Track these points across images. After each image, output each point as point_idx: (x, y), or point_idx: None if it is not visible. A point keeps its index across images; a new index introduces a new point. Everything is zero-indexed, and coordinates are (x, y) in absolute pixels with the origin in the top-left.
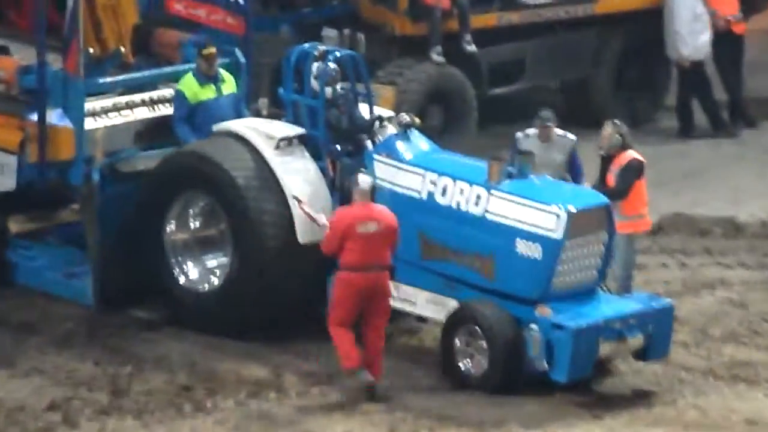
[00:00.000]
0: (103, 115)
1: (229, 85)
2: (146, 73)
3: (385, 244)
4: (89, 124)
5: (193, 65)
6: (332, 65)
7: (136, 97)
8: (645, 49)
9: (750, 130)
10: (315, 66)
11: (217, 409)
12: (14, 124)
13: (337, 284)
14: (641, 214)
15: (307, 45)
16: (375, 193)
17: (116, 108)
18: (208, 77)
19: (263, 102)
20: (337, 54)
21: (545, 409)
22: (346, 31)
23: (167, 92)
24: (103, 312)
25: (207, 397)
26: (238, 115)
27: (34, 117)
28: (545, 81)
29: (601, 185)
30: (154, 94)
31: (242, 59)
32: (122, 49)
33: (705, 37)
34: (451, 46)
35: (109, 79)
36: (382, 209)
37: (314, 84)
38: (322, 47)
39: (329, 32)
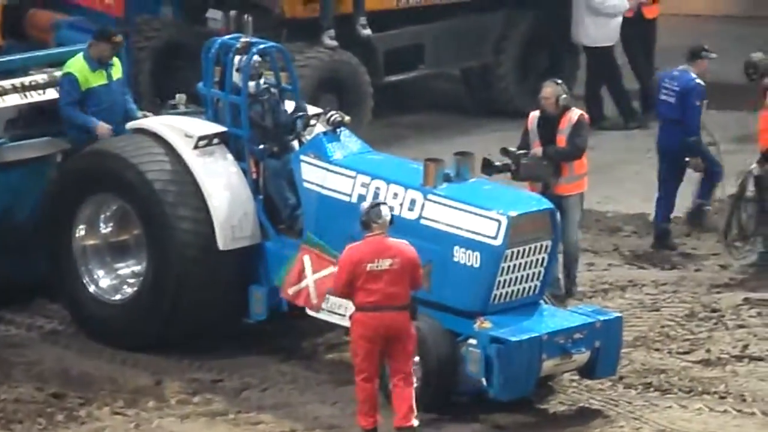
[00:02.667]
0: None
1: (117, 70)
2: (17, 56)
3: (401, 281)
4: None
5: (71, 48)
6: (256, 58)
7: (6, 83)
8: (552, 35)
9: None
10: (237, 59)
11: (91, 419)
12: None
13: (351, 327)
14: (587, 172)
15: (228, 37)
16: (306, 199)
17: None
18: (99, 63)
19: (181, 97)
20: (262, 46)
21: (470, 429)
22: (233, 13)
23: (39, 77)
24: None
25: (81, 406)
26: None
27: None
28: (446, 68)
29: (553, 147)
30: (26, 79)
31: (122, 43)
32: None
33: (615, 23)
34: (344, 29)
35: None
36: (398, 243)
37: (236, 78)
38: (245, 39)
39: (214, 14)
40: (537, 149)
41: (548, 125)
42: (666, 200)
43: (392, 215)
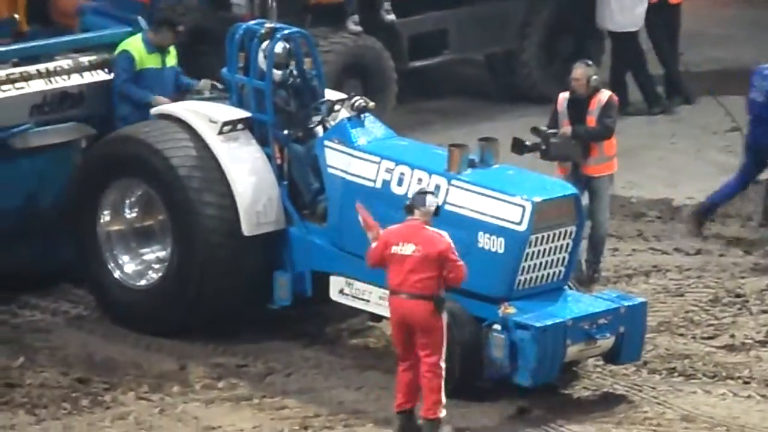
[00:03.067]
0: None
1: (172, 57)
2: (42, 42)
3: (423, 270)
4: None
5: (96, 33)
6: (281, 44)
7: (31, 68)
8: (576, 20)
9: (687, 107)
10: (262, 45)
11: (116, 404)
12: None
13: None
14: (616, 153)
15: (253, 22)
16: (330, 184)
17: (10, 80)
18: (157, 47)
19: (205, 83)
20: (286, 32)
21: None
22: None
23: (65, 63)
24: None
25: (105, 391)
26: (178, 90)
27: None
28: (470, 54)
29: (583, 126)
30: (51, 65)
31: (147, 28)
32: (16, 16)
33: (640, 8)
34: (369, 15)
35: (1, 49)
36: (429, 233)
37: (261, 64)
38: (269, 24)
39: (240, 1)
40: (567, 128)
41: (578, 106)
42: (733, 188)
43: (438, 206)
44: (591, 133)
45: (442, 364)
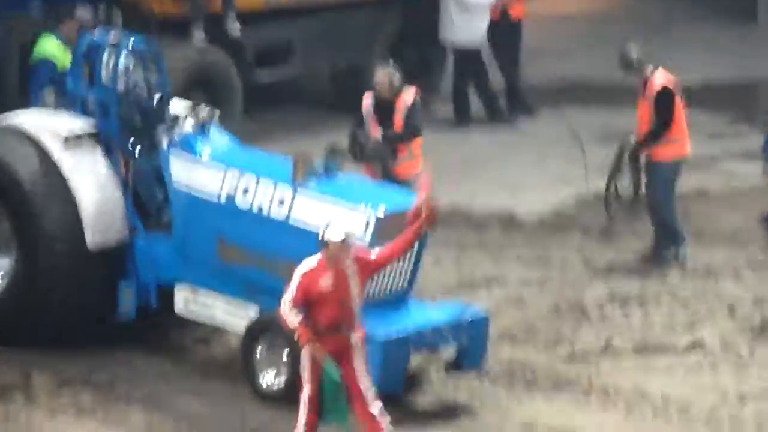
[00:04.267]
0: None
1: None
2: None
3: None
4: None
5: None
6: (125, 54)
7: None
8: (419, 34)
9: (528, 119)
10: (107, 56)
11: None
12: None
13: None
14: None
15: (97, 33)
16: (174, 195)
17: None
18: (67, 44)
19: (48, 94)
20: (131, 42)
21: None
22: (101, 7)
23: None
24: None
25: None
26: None
27: None
28: (316, 65)
29: (391, 131)
30: None
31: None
32: None
33: (482, 25)
34: (214, 27)
35: None
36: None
37: (105, 75)
38: (114, 35)
39: (83, 10)
40: (377, 135)
41: (385, 108)
42: None
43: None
44: (399, 137)
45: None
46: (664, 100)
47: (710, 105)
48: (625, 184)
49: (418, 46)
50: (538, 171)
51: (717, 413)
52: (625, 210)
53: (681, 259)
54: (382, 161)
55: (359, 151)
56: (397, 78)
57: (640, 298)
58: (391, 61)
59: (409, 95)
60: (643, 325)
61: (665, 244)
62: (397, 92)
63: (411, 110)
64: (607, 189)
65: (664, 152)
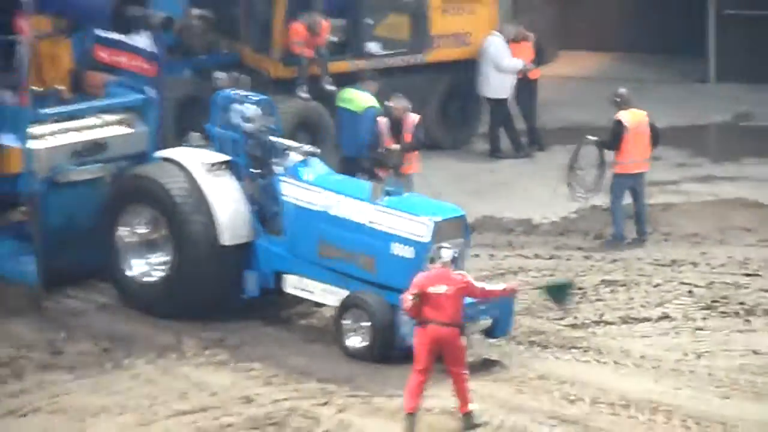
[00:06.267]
0: (45, 138)
1: None
2: (78, 106)
3: (453, 304)
4: (34, 144)
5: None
6: (250, 106)
7: (71, 124)
8: (463, 89)
9: (542, 153)
10: (237, 107)
11: (132, 367)
12: None
13: (415, 334)
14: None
15: (230, 91)
16: (285, 209)
17: (55, 133)
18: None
19: (195, 135)
20: (255, 98)
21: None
22: (234, 74)
23: (95, 120)
24: (44, 291)
25: (124, 358)
26: None
27: None
28: None
29: (404, 143)
30: (85, 122)
31: (155, 96)
32: (60, 87)
33: (509, 81)
34: (314, 86)
35: (49, 110)
36: (454, 276)
37: (236, 121)
38: (242, 92)
39: (220, 75)
40: (395, 146)
41: (396, 126)
42: None
43: (455, 257)
44: (411, 146)
45: (467, 372)
46: (614, 128)
47: (674, 143)
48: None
49: (462, 98)
50: (550, 191)
51: (680, 366)
52: (586, 191)
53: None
54: (396, 164)
55: (388, 161)
56: (406, 105)
57: (624, 282)
58: (399, 93)
59: (413, 117)
60: (627, 302)
61: (615, 237)
62: (404, 114)
63: (416, 127)
64: (568, 171)
65: (616, 169)
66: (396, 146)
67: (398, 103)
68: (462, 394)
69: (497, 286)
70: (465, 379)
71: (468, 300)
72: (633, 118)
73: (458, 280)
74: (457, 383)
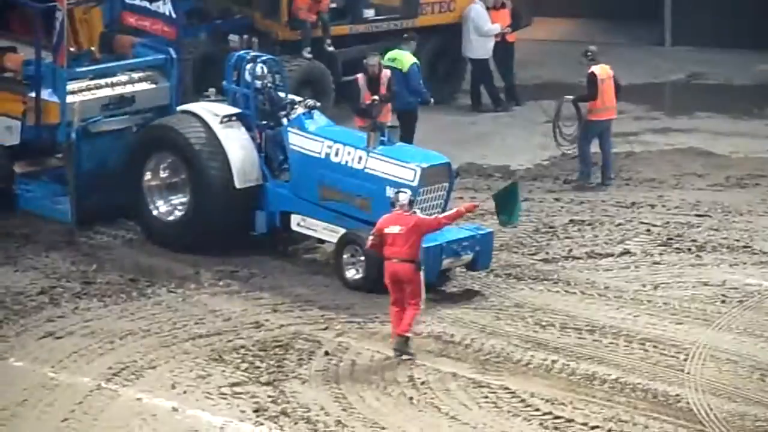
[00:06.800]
0: (79, 93)
1: None
2: (109, 65)
3: (407, 242)
4: (70, 99)
5: (144, 59)
6: (260, 65)
7: (102, 81)
8: (448, 51)
9: (518, 107)
10: (248, 66)
11: (154, 295)
12: (19, 99)
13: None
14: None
15: (242, 52)
16: (291, 156)
17: (88, 88)
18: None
19: (212, 91)
20: (264, 58)
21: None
22: (245, 37)
23: (123, 77)
24: (78, 228)
25: (147, 287)
26: None
27: (33, 94)
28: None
29: (381, 95)
30: (114, 79)
31: (175, 56)
32: (92, 49)
33: (489, 43)
34: (317, 47)
35: (83, 69)
36: (407, 216)
37: (247, 78)
38: (252, 53)
39: (233, 37)
40: (375, 97)
41: (373, 82)
42: None
43: (412, 200)
44: (388, 98)
45: (420, 303)
46: (589, 81)
47: (634, 99)
48: (567, 131)
49: (448, 58)
50: (525, 141)
51: (639, 296)
52: (567, 142)
53: (585, 183)
54: (374, 114)
55: (362, 110)
56: (380, 62)
57: (590, 222)
58: (377, 52)
59: (386, 73)
60: (592, 239)
61: (582, 174)
62: (380, 71)
63: (389, 82)
64: (554, 128)
65: (591, 117)
66: (375, 98)
67: (373, 60)
68: (406, 319)
69: (450, 211)
70: (415, 307)
71: (452, 237)
72: (602, 71)
73: (409, 220)
74: (407, 310)
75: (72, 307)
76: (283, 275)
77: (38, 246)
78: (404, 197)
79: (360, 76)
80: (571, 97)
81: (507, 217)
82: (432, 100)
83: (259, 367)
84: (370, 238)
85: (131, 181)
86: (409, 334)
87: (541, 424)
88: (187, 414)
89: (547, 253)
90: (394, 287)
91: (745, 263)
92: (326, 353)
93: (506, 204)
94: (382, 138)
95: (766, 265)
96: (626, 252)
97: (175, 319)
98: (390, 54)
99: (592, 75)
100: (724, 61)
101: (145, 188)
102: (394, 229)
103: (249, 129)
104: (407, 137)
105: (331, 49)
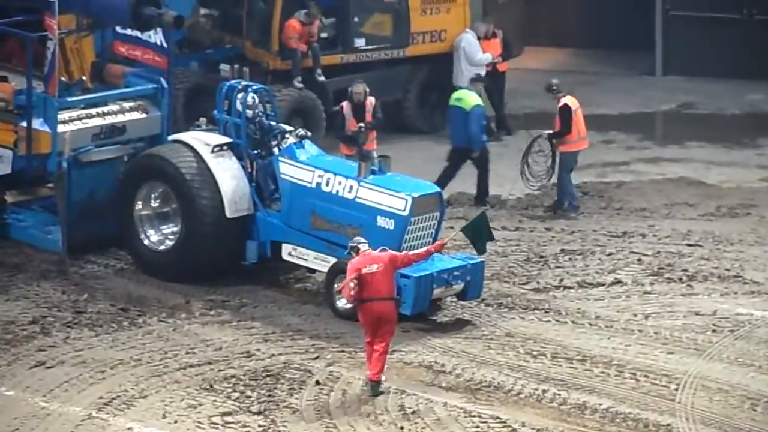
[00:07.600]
0: (71, 123)
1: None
2: (100, 94)
3: (386, 279)
4: (61, 128)
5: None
6: (251, 95)
7: (93, 111)
8: (439, 80)
9: (509, 136)
10: (239, 96)
11: (145, 324)
12: (10, 129)
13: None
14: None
15: (233, 81)
16: (282, 185)
17: (79, 118)
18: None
19: (203, 120)
20: (254, 87)
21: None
22: (236, 66)
23: (114, 107)
24: (69, 257)
25: (138, 316)
26: None
27: (24, 124)
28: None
29: (368, 122)
30: (105, 108)
31: (166, 86)
32: (84, 78)
33: (481, 72)
34: (307, 77)
35: (74, 98)
36: (378, 254)
37: (238, 107)
38: (243, 83)
39: (224, 67)
40: (360, 125)
41: (359, 109)
42: None
43: (369, 246)
44: (374, 125)
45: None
46: (563, 113)
47: (625, 129)
48: (537, 167)
49: (439, 88)
50: (516, 171)
51: (630, 326)
52: (538, 179)
53: (569, 212)
54: (361, 141)
55: (348, 137)
56: (366, 89)
57: (581, 251)
58: (362, 80)
59: (371, 100)
60: (583, 269)
61: (560, 203)
62: (365, 98)
63: (374, 109)
64: (522, 165)
65: (566, 148)
66: (362, 125)
67: (358, 88)
68: (378, 365)
69: (420, 250)
70: (385, 351)
71: (443, 266)
72: (573, 102)
73: (383, 257)
74: (378, 352)
75: (63, 336)
76: (274, 305)
77: (29, 275)
78: (363, 241)
79: (345, 104)
80: (546, 133)
81: (482, 246)
82: (478, 153)
83: (250, 397)
84: (351, 285)
85: (122, 211)
86: (382, 378)
87: None
88: None
89: (538, 282)
90: (373, 327)
91: (736, 293)
92: (317, 383)
93: (479, 234)
94: (373, 167)
95: (757, 295)
96: (617, 281)
97: (166, 348)
98: (456, 93)
99: (566, 107)
100: (715, 91)
101: (136, 218)
102: (373, 268)
103: (240, 158)
104: (481, 177)
105: (321, 78)
